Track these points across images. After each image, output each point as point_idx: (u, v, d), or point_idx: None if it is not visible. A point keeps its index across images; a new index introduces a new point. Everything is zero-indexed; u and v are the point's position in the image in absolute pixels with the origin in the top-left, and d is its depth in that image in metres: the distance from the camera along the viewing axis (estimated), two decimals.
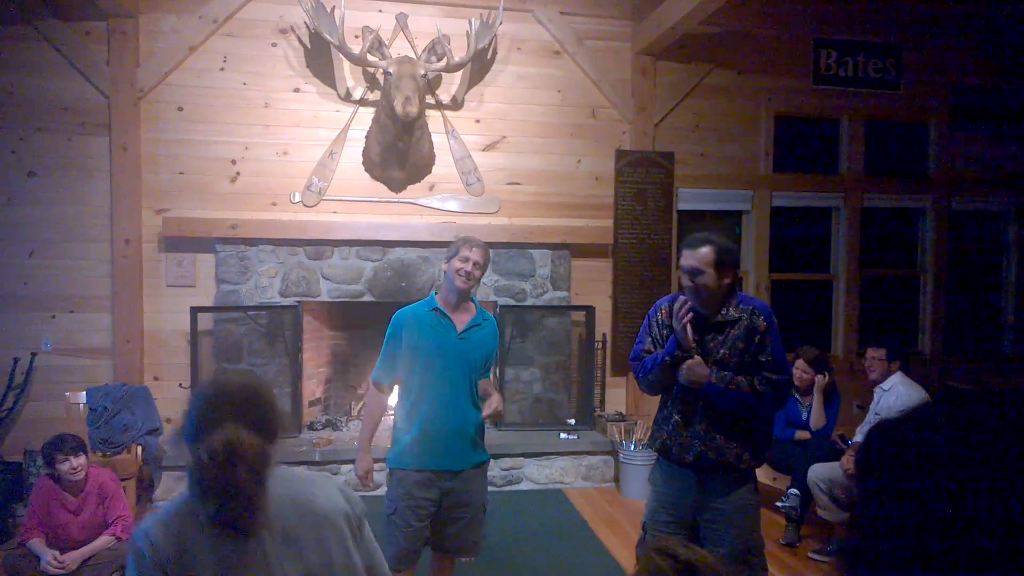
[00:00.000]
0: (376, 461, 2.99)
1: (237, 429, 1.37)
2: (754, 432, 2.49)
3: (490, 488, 4.46)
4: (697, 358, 2.44)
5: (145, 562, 1.36)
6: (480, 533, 2.90)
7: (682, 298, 2.48)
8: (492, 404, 2.78)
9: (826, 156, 6.06)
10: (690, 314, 2.42)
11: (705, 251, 2.41)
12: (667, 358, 2.47)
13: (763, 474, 4.42)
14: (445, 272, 2.79)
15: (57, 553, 3.37)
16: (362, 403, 5.05)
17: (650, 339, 2.60)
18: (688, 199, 5.72)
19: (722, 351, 2.45)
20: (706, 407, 2.47)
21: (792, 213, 6.00)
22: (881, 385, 4.06)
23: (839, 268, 6.05)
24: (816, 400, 4.39)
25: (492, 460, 4.99)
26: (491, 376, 2.98)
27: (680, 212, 5.71)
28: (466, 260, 2.73)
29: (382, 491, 2.93)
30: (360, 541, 1.57)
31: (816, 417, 4.37)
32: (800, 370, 4.37)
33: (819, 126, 6.04)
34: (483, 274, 2.83)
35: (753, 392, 2.39)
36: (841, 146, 6.02)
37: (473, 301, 2.89)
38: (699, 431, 2.47)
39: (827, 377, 4.41)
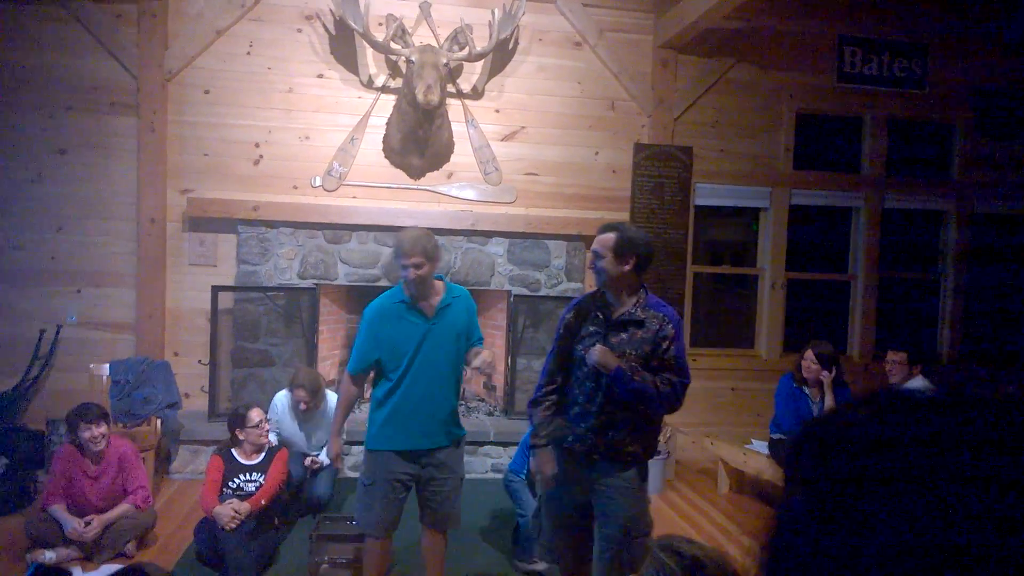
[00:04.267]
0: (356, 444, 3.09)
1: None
2: (648, 431, 2.61)
3: (497, 476, 4.55)
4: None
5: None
6: (457, 506, 3.01)
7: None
8: (481, 356, 2.86)
9: (848, 155, 6.01)
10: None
11: (607, 236, 2.53)
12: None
13: (774, 471, 4.44)
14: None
15: (80, 520, 3.49)
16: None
17: (557, 344, 2.65)
18: (706, 194, 5.71)
19: (627, 350, 2.51)
20: (604, 402, 2.53)
21: (811, 212, 5.97)
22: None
23: (857, 269, 6.01)
24: (828, 396, 4.39)
25: (501, 448, 5.10)
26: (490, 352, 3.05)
27: (697, 207, 5.71)
28: (406, 268, 2.80)
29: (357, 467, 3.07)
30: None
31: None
32: (809, 360, 4.38)
33: (841, 124, 5.99)
34: (432, 259, 2.83)
35: (656, 389, 2.46)
36: (863, 145, 5.97)
37: (439, 278, 2.95)
38: (595, 425, 2.55)
39: (833, 372, 4.40)
